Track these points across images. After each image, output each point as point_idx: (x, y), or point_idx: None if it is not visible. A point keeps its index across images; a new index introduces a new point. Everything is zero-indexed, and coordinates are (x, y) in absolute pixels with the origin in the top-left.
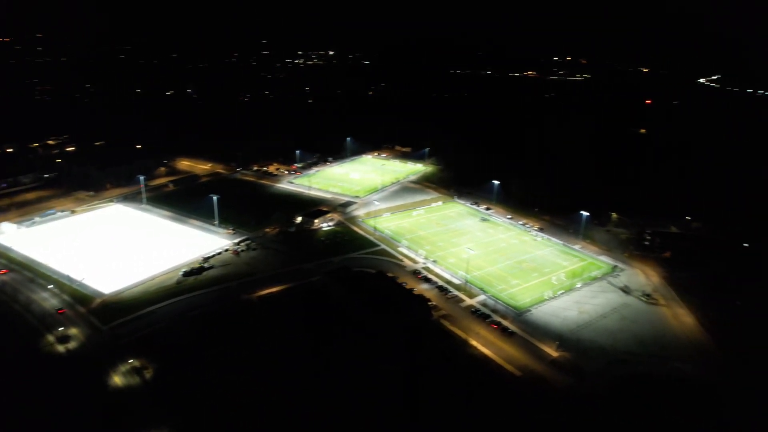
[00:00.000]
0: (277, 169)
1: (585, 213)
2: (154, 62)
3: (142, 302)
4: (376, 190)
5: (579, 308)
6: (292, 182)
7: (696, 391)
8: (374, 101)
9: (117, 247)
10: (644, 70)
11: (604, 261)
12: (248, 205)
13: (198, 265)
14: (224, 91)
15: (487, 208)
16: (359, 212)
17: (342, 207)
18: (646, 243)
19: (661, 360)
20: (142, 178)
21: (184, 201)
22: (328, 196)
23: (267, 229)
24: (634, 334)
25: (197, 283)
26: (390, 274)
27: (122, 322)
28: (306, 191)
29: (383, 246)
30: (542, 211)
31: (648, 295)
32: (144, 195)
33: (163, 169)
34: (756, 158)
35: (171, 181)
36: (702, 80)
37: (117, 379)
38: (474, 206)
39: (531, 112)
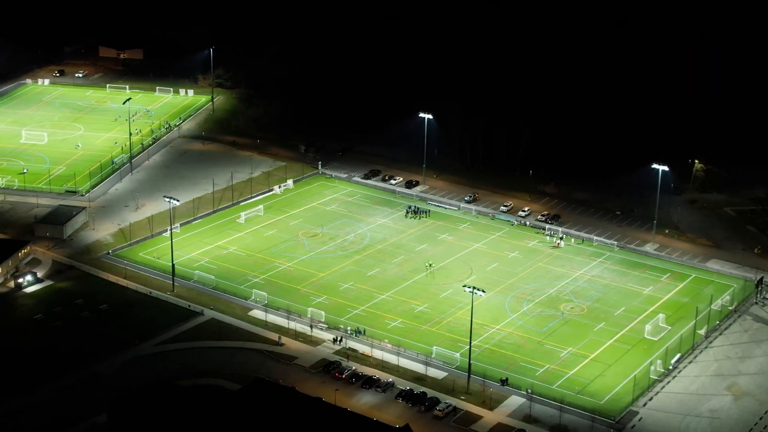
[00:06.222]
0: None
1: (662, 167)
2: None
3: None
4: (113, 169)
5: (729, 387)
6: None
7: None
8: None
9: None
10: None
11: (722, 271)
12: None
13: None
14: None
15: (412, 183)
16: (101, 234)
17: (47, 225)
18: None
19: None
20: None
21: None
22: None
23: None
24: None
25: None
26: (275, 381)
27: None
28: None
29: (210, 313)
30: (539, 176)
31: None
32: None
33: None
34: None
35: None
36: None
37: None
38: (374, 180)
39: None
